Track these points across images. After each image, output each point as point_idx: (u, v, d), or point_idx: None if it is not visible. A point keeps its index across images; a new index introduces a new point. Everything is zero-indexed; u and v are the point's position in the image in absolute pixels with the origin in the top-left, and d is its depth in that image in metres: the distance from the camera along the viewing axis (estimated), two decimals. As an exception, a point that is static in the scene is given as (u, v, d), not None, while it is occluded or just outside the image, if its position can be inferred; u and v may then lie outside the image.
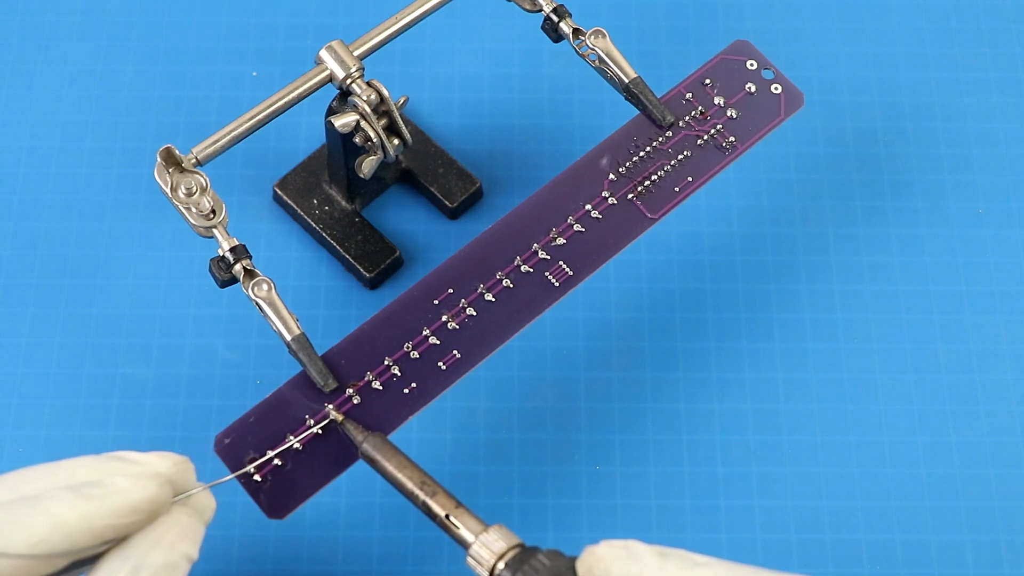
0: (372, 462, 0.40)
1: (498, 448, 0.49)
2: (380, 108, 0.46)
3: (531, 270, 0.44)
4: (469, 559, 0.37)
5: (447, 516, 0.38)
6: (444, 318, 0.43)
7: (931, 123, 0.55)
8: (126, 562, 0.35)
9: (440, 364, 0.42)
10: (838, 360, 0.50)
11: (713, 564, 0.34)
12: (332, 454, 0.40)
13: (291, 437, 0.41)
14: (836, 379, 0.50)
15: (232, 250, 0.42)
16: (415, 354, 0.42)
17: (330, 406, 0.41)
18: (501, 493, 0.48)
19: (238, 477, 0.40)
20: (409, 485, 0.39)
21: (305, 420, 0.41)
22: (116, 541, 0.35)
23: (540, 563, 0.36)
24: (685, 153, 0.46)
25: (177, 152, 0.43)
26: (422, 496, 0.38)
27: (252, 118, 0.44)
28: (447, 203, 0.52)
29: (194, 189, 0.42)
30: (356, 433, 0.40)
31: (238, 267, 0.42)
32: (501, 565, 0.36)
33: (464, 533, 0.38)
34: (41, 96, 0.55)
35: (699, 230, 0.53)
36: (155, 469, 0.36)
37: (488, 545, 0.37)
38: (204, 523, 0.37)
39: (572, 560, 0.36)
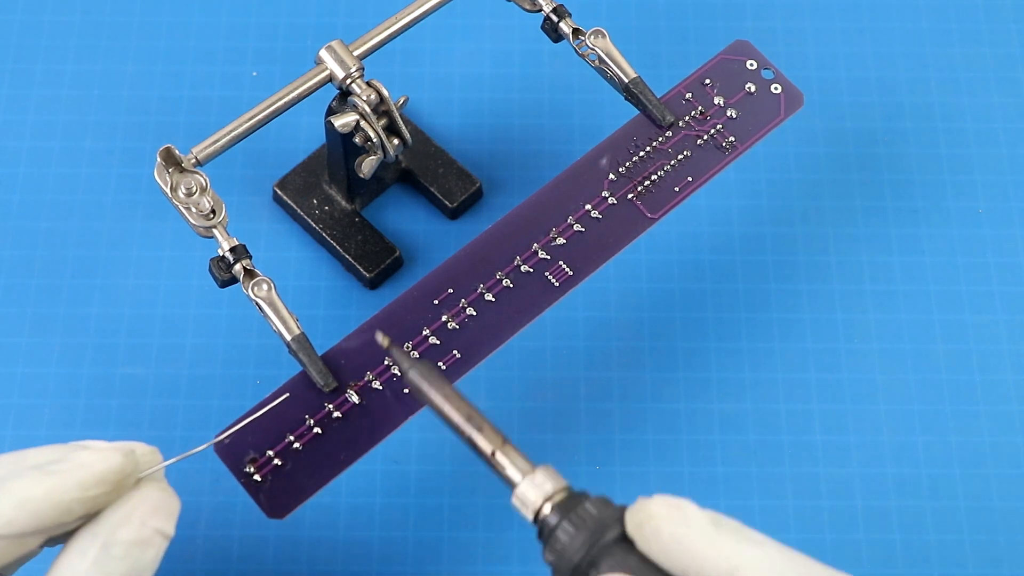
0: (418, 391, 0.37)
1: (498, 448, 0.49)
2: (380, 108, 0.46)
3: (531, 270, 0.44)
4: (515, 499, 0.36)
5: (493, 453, 0.36)
6: (444, 318, 0.43)
7: (931, 123, 0.55)
8: (95, 539, 0.34)
9: (440, 364, 0.42)
10: (838, 360, 0.50)
11: (767, 544, 0.33)
12: (332, 454, 0.40)
13: (291, 437, 0.41)
14: (836, 379, 0.50)
15: (232, 250, 0.42)
16: (415, 354, 0.42)
17: (379, 332, 0.39)
18: (501, 493, 0.48)
19: (238, 477, 0.40)
20: (455, 418, 0.36)
21: (305, 420, 0.41)
22: (88, 518, 0.35)
23: (587, 512, 0.34)
24: (685, 153, 0.46)
25: (177, 152, 0.43)
26: (468, 430, 0.36)
27: (252, 118, 0.44)
28: (447, 203, 0.52)
29: (194, 189, 0.42)
30: (403, 359, 0.38)
31: (238, 267, 0.42)
32: (547, 508, 0.35)
33: (511, 472, 0.36)
34: (41, 96, 0.55)
35: (699, 230, 0.53)
36: (120, 446, 0.36)
37: (536, 486, 0.35)
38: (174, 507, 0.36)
39: (621, 510, 0.35)
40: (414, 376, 0.37)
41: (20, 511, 0.34)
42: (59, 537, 0.35)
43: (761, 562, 0.32)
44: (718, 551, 0.33)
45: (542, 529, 0.35)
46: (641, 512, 0.34)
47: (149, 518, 0.35)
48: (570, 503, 0.35)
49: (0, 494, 0.34)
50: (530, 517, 0.35)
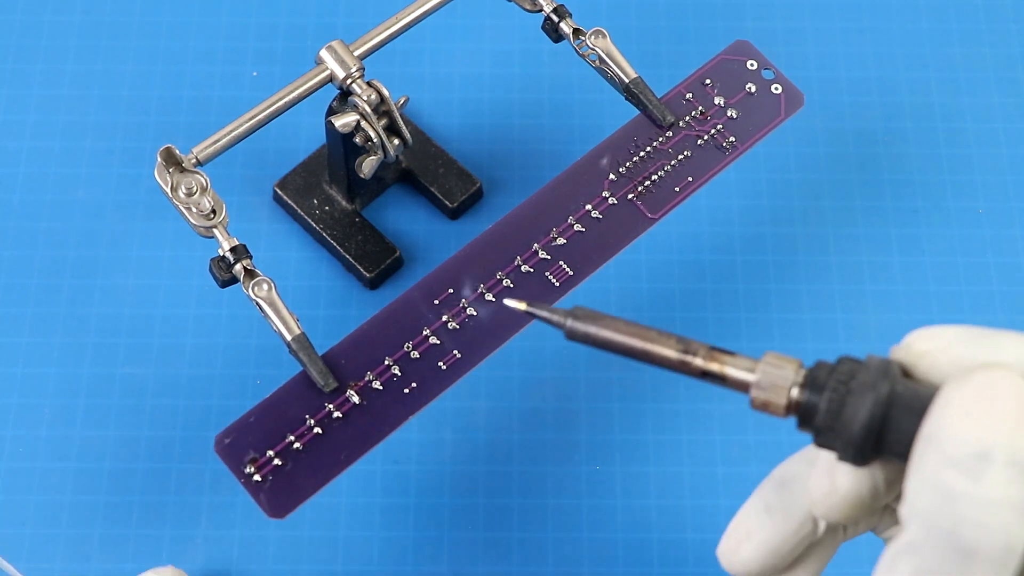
0: (587, 338, 0.33)
1: (498, 448, 0.49)
2: (380, 108, 0.46)
3: (531, 270, 0.44)
4: (757, 394, 0.31)
5: (705, 371, 0.32)
6: (444, 318, 0.43)
7: (931, 123, 0.55)
8: None
9: (440, 364, 0.42)
10: (838, 360, 0.50)
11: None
12: (332, 454, 0.40)
13: (291, 437, 0.41)
14: (836, 379, 0.50)
15: (232, 250, 0.42)
16: (415, 354, 0.42)
17: (509, 300, 0.35)
18: (501, 493, 0.48)
19: (239, 477, 0.40)
20: (651, 347, 0.32)
21: (305, 420, 0.41)
22: None
23: (850, 374, 0.30)
24: (685, 153, 0.46)
25: (177, 152, 0.43)
26: (675, 356, 0.32)
27: (252, 118, 0.44)
28: (447, 203, 0.52)
29: (194, 189, 0.42)
30: (554, 316, 0.33)
31: (238, 267, 0.42)
32: (796, 392, 0.30)
33: (738, 374, 0.31)
34: (41, 96, 0.55)
35: (699, 230, 0.53)
36: None
37: (777, 372, 0.31)
38: None
39: (875, 360, 0.30)
40: (576, 326, 0.33)
41: None
42: None
43: None
44: (997, 354, 0.29)
45: (804, 415, 0.30)
46: (908, 353, 0.30)
47: None
48: (818, 374, 0.30)
49: None
50: (782, 406, 0.31)
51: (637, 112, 0.46)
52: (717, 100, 0.46)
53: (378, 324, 0.43)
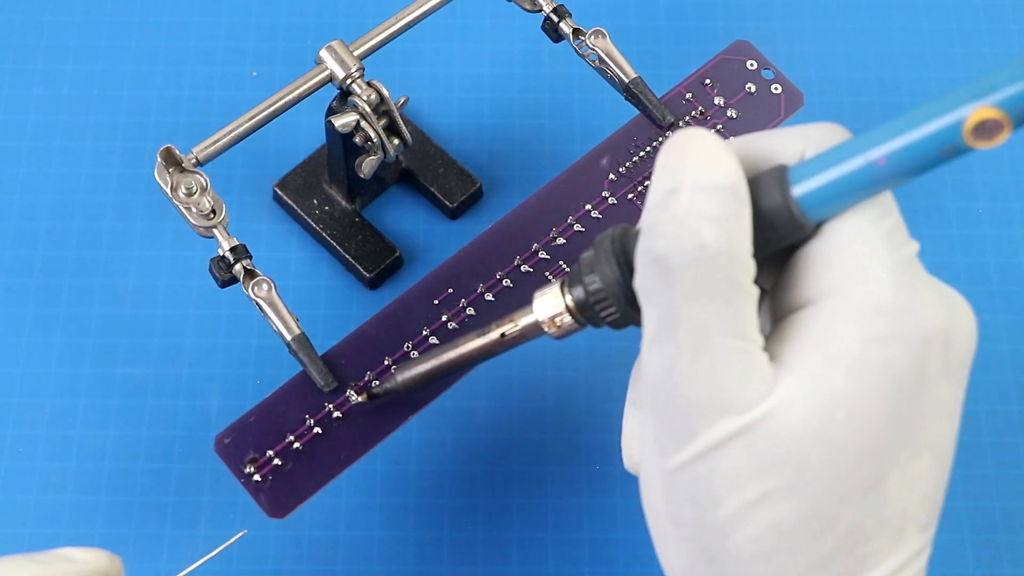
0: (416, 378, 0.39)
1: (498, 448, 0.49)
2: (380, 108, 0.46)
3: (531, 270, 0.44)
4: (548, 329, 0.36)
5: (503, 330, 0.37)
6: (444, 318, 0.43)
7: (931, 123, 0.55)
8: None
9: (440, 364, 0.42)
10: (838, 360, 0.50)
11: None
12: (332, 454, 0.40)
13: (291, 437, 0.41)
14: (836, 379, 0.50)
15: (232, 250, 0.42)
16: (415, 354, 0.42)
17: (456, 324, 0.40)
18: (501, 493, 0.48)
19: (239, 477, 0.40)
20: (462, 347, 0.38)
21: (305, 420, 0.41)
22: None
23: (590, 253, 0.34)
24: (685, 153, 0.46)
25: (177, 152, 0.43)
26: (476, 339, 0.38)
27: (252, 118, 0.44)
28: (447, 203, 0.52)
29: (194, 189, 0.42)
30: (388, 385, 0.40)
31: (238, 267, 0.42)
32: (569, 299, 0.35)
33: (526, 316, 0.36)
34: (41, 96, 0.55)
35: (699, 230, 0.53)
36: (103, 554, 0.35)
37: (545, 295, 0.36)
38: None
39: (622, 226, 0.34)
40: (398, 381, 0.39)
41: None
42: None
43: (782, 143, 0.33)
44: (779, 147, 0.33)
45: (585, 309, 0.35)
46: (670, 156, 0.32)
47: None
48: (573, 274, 0.35)
49: None
50: (572, 319, 0.35)
51: (637, 112, 0.46)
52: (717, 100, 0.46)
53: (378, 324, 0.43)
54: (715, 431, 0.30)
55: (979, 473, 0.48)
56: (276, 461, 0.40)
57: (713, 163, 0.31)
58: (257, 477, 0.40)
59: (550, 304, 0.35)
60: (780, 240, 0.31)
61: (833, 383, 0.30)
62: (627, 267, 0.33)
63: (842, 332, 0.30)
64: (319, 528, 0.47)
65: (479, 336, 0.37)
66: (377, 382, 0.41)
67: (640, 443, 0.33)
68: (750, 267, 0.30)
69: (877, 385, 0.30)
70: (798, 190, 0.31)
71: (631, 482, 0.48)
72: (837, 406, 0.29)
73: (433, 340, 0.42)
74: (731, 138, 0.33)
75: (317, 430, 0.41)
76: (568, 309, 0.35)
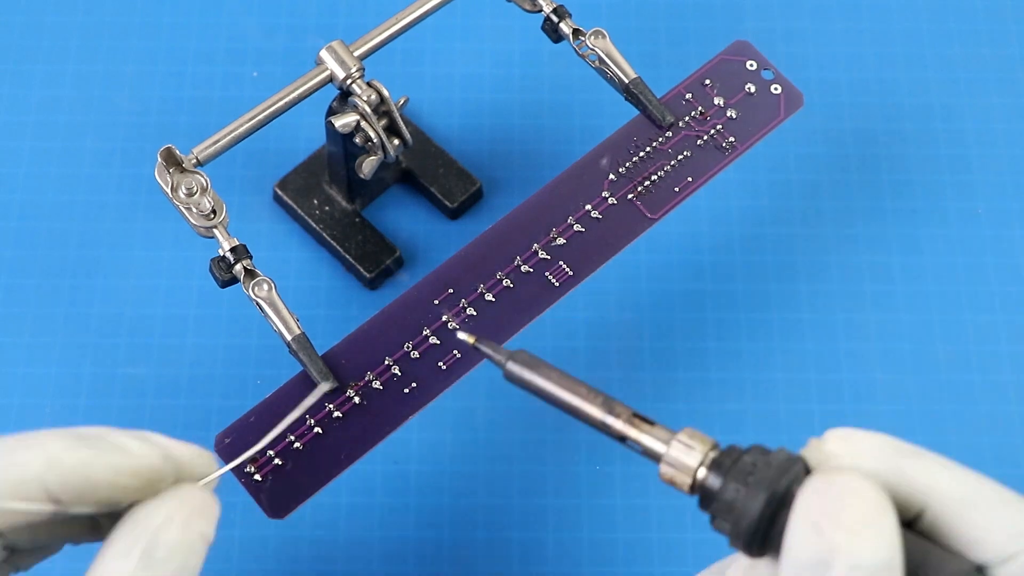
0: (523, 382, 0.35)
1: (498, 448, 0.49)
2: (380, 108, 0.46)
3: (531, 270, 0.44)
4: (664, 469, 0.33)
5: (624, 436, 0.34)
6: (444, 318, 0.43)
7: (931, 123, 0.55)
8: (137, 541, 0.31)
9: (440, 364, 0.42)
10: (838, 360, 0.50)
11: (955, 467, 0.32)
12: (332, 454, 0.40)
13: (291, 437, 0.41)
14: (836, 379, 0.50)
15: (232, 250, 0.42)
16: (415, 354, 0.42)
17: (461, 332, 0.37)
18: (501, 493, 0.48)
19: (239, 477, 0.40)
20: (574, 401, 0.34)
21: (305, 420, 0.41)
22: (112, 507, 0.32)
23: (752, 465, 0.31)
24: (685, 153, 0.46)
25: (178, 152, 0.43)
26: (594, 412, 0.34)
27: (252, 118, 0.44)
28: (447, 203, 0.52)
29: (195, 189, 0.42)
30: (496, 353, 0.35)
31: (238, 267, 0.42)
32: (703, 472, 0.32)
33: (650, 443, 0.33)
34: (42, 96, 0.55)
35: (699, 230, 0.53)
36: (167, 447, 0.33)
37: (686, 451, 0.32)
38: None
39: (784, 455, 0.31)
40: (514, 368, 0.35)
41: (49, 470, 0.31)
42: (80, 533, 0.34)
43: (954, 489, 0.31)
44: (910, 482, 0.31)
45: (705, 497, 0.32)
46: (819, 452, 0.32)
47: (194, 519, 0.32)
48: (725, 460, 0.32)
49: (34, 448, 0.31)
50: (687, 485, 0.32)
51: (637, 112, 0.46)
52: (717, 100, 0.46)
53: (378, 324, 0.43)
54: None
55: (979, 473, 0.48)
56: (276, 461, 0.40)
57: (871, 533, 0.29)
58: (257, 477, 0.40)
59: (686, 458, 0.32)
60: None
61: None
62: (775, 503, 0.31)
63: None
64: (319, 528, 0.47)
65: (603, 411, 0.34)
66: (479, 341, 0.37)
67: None
68: None
69: None
70: None
71: (631, 482, 0.48)
72: None
73: (433, 340, 0.42)
74: (882, 468, 0.31)
75: (317, 430, 0.41)
76: (694, 481, 0.32)
